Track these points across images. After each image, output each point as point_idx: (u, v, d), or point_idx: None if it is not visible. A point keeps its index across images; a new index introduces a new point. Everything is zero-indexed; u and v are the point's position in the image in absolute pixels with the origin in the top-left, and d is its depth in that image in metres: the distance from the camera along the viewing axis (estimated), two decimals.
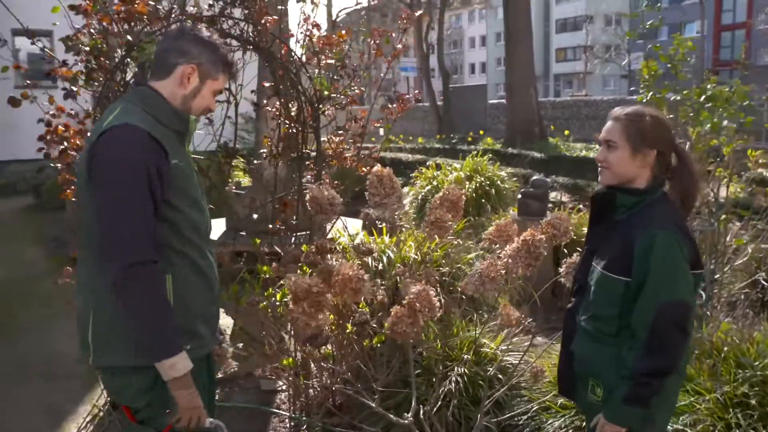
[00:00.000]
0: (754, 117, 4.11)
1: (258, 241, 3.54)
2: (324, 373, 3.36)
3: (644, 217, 1.89)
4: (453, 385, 3.13)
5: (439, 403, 3.01)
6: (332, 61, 3.76)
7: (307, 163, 3.80)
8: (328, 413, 3.36)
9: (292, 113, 3.71)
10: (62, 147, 3.10)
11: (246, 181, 7.53)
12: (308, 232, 3.77)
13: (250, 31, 3.49)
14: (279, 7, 3.74)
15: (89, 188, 1.77)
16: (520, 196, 6.08)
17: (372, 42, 3.91)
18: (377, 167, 2.48)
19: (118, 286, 1.68)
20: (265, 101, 3.99)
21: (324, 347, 3.00)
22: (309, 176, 3.76)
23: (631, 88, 34.20)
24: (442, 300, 3.29)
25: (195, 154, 3.88)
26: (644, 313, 1.82)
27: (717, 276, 4.04)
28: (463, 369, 3.20)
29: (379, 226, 4.18)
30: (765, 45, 33.35)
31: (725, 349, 3.10)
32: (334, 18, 26.52)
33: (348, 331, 3.10)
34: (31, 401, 3.91)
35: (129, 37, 2.91)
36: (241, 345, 3.23)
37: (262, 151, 3.97)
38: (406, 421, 2.60)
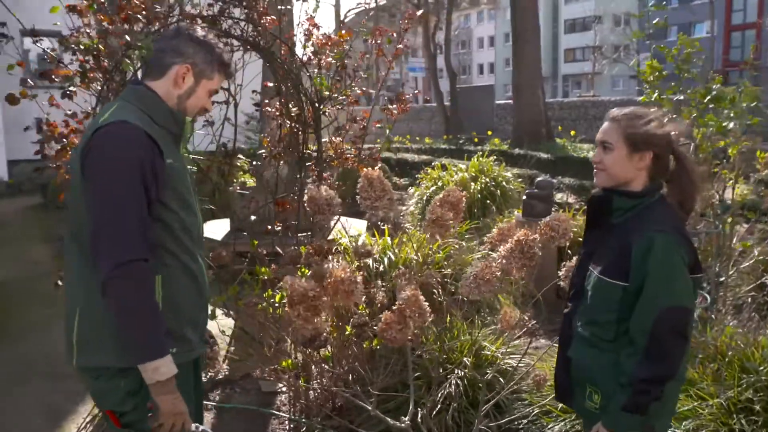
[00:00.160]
0: (760, 118, 4.05)
1: (256, 242, 3.53)
2: (324, 376, 3.35)
3: (642, 220, 1.85)
4: (453, 388, 3.10)
5: (439, 406, 2.99)
6: (332, 60, 3.74)
7: (308, 163, 3.78)
8: (327, 416, 3.34)
9: (293, 113, 3.69)
10: (60, 146, 3.09)
11: (251, 181, 7.53)
12: (309, 233, 3.75)
13: (250, 31, 3.48)
14: (279, 7, 3.72)
15: (82, 184, 1.74)
16: (524, 197, 6.04)
17: (373, 42, 3.89)
18: (366, 170, 2.44)
19: (108, 283, 1.64)
20: (266, 101, 3.97)
21: (323, 349, 2.98)
22: (312, 176, 3.75)
23: (638, 88, 33.99)
24: (444, 302, 3.28)
25: (195, 155, 3.88)
26: (643, 318, 1.78)
27: (723, 279, 3.99)
28: (462, 372, 3.17)
29: (382, 227, 4.16)
30: None
31: (730, 353, 3.06)
32: (342, 18, 26.56)
33: (347, 333, 3.08)
34: (31, 401, 3.91)
35: (128, 37, 2.90)
36: (239, 346, 3.22)
37: (261, 151, 3.96)
38: (403, 425, 2.57)
